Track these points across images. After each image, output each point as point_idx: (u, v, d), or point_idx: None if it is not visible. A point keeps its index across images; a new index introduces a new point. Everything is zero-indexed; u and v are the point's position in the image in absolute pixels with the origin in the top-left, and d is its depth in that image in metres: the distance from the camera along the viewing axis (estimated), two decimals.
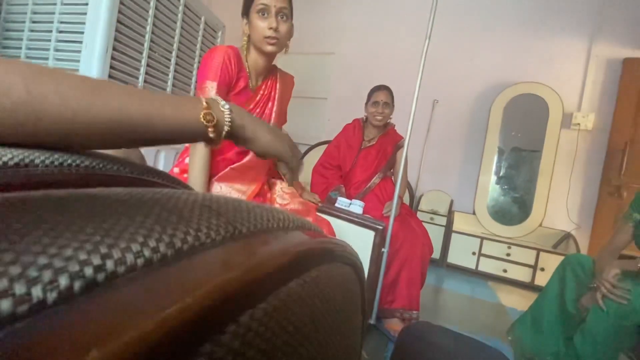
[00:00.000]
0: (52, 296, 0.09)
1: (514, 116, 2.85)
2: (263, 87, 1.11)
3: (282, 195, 1.19)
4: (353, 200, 1.46)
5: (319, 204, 1.35)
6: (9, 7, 1.41)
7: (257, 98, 1.09)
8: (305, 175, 1.90)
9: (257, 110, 1.10)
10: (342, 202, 1.45)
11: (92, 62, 1.27)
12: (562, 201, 2.75)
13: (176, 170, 1.08)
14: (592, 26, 2.72)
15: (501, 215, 2.86)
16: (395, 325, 1.41)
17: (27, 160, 0.25)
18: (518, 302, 2.16)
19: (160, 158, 1.58)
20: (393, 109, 1.73)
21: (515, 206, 2.86)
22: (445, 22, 2.77)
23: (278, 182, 1.23)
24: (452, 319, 1.74)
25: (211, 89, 0.98)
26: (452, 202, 2.96)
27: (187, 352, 0.10)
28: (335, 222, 1.32)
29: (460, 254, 2.69)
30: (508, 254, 2.58)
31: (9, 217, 0.12)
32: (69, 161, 0.27)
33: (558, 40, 2.80)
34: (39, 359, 0.07)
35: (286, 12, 1.01)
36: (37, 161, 0.25)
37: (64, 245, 0.11)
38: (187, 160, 1.04)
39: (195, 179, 0.96)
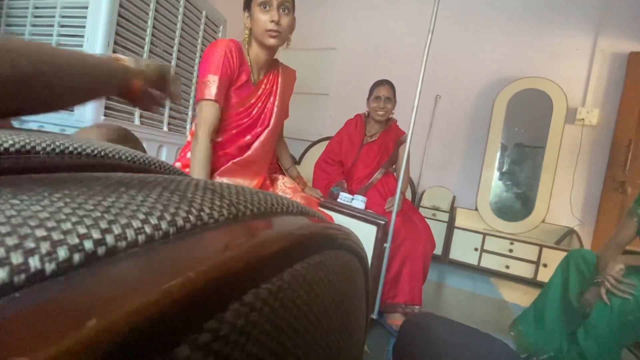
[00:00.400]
0: (50, 267, 0.09)
1: (517, 112, 2.82)
2: (265, 81, 1.10)
3: (284, 190, 1.19)
4: (355, 195, 1.46)
5: (321, 199, 1.35)
6: (11, 2, 1.40)
7: (259, 92, 1.09)
8: (307, 171, 1.90)
9: (259, 104, 1.09)
10: (344, 198, 1.45)
11: None
12: (565, 197, 2.73)
13: (178, 164, 1.08)
14: (597, 20, 2.68)
15: (504, 211, 2.85)
16: (397, 320, 1.40)
17: (28, 147, 0.25)
18: (520, 298, 2.15)
19: (162, 153, 1.58)
20: (395, 104, 1.72)
21: (518, 202, 2.84)
22: (448, 16, 2.74)
23: (280, 177, 1.23)
24: (454, 314, 1.74)
25: (213, 82, 0.97)
26: (454, 198, 2.95)
27: (191, 327, 0.09)
28: (337, 217, 1.32)
29: (463, 250, 2.68)
30: (510, 250, 2.57)
31: (6, 194, 0.12)
32: (70, 149, 0.27)
33: (562, 34, 2.77)
34: (37, 328, 0.07)
35: (288, 5, 1.00)
36: (38, 148, 0.25)
37: (62, 219, 0.10)
38: (188, 154, 1.04)
39: (197, 173, 0.96)
